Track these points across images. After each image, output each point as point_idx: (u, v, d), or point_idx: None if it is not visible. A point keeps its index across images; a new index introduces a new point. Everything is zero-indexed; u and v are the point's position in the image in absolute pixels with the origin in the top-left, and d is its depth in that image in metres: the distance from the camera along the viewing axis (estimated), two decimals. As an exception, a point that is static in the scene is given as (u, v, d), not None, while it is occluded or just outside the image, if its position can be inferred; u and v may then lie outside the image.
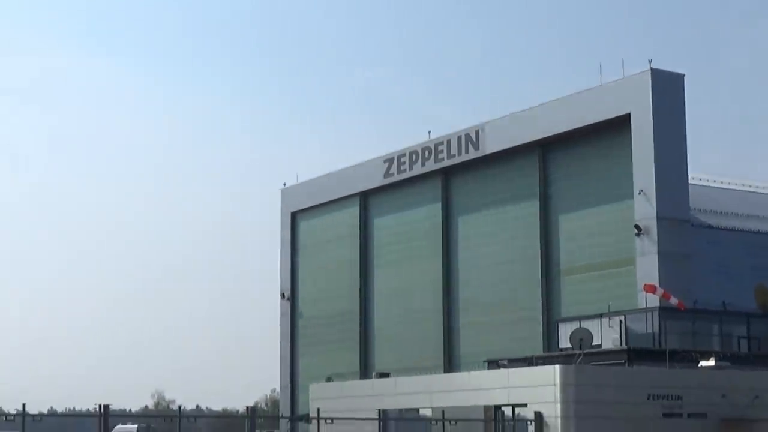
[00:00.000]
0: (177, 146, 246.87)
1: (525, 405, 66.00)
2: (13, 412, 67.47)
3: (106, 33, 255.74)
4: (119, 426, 78.90)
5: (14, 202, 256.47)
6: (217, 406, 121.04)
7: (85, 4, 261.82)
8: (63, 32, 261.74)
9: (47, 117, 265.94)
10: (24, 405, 59.69)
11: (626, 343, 70.68)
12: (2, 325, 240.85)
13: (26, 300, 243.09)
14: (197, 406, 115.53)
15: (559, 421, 63.33)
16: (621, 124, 79.79)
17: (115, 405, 68.07)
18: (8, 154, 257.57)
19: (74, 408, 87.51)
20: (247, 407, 76.78)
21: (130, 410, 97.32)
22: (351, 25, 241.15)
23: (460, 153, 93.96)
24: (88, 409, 71.14)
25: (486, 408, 67.91)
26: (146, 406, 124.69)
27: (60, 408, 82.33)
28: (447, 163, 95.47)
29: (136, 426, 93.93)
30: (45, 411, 68.33)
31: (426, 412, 73.38)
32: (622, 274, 79.95)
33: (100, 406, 61.62)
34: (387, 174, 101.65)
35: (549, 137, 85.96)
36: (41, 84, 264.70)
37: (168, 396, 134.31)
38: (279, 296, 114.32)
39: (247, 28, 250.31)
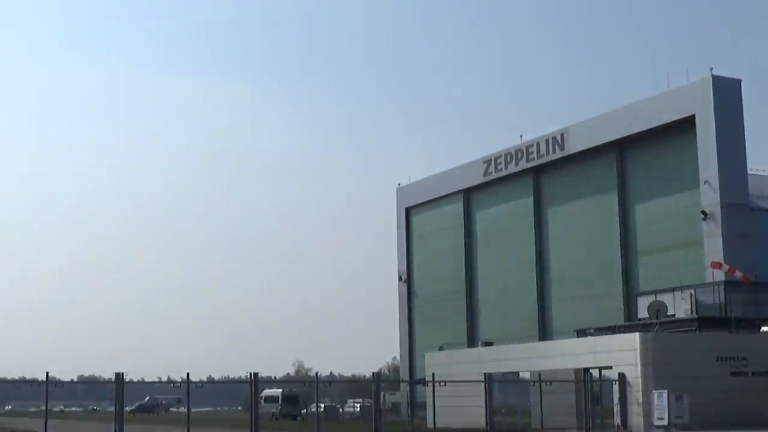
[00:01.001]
0: (316, 155, 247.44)
1: (610, 367, 66.11)
2: (178, 379, 68.12)
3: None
4: (266, 390, 79.08)
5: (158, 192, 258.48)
6: (347, 372, 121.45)
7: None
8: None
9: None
10: (188, 374, 60.19)
11: (696, 313, 70.03)
12: (168, 302, 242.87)
13: (188, 283, 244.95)
14: (330, 372, 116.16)
15: (639, 380, 63.69)
16: (687, 124, 79.55)
17: (263, 373, 68.17)
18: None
19: (229, 376, 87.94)
20: (373, 373, 76.56)
21: (274, 377, 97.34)
22: (454, 44, 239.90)
23: (547, 153, 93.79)
24: (241, 377, 71.34)
25: (576, 371, 67.96)
26: (288, 373, 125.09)
27: (217, 375, 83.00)
28: (537, 162, 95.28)
29: (280, 390, 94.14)
30: (205, 379, 68.60)
31: (525, 375, 73.39)
32: (691, 253, 79.58)
33: (251, 374, 61.97)
34: (486, 173, 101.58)
35: (625, 137, 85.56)
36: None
37: (306, 365, 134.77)
38: (397, 279, 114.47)
39: (360, 50, 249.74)
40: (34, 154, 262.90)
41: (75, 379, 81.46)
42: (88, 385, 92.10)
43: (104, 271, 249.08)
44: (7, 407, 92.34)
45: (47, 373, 60.25)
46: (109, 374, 63.56)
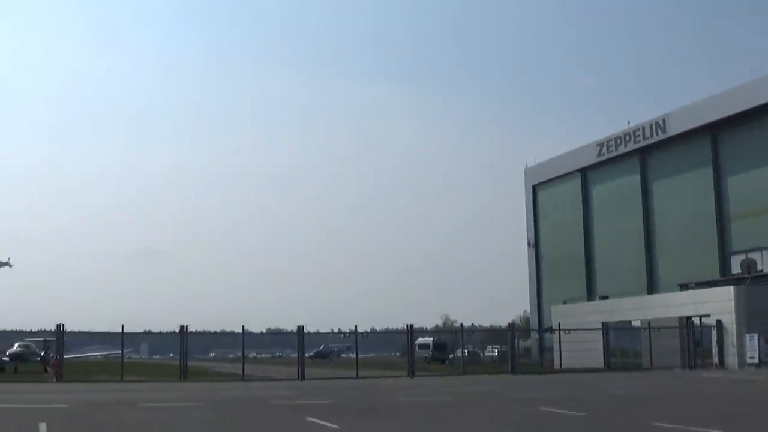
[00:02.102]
0: (460, 142, 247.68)
1: (708, 315, 66.80)
2: (347, 331, 69.55)
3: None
4: (420, 339, 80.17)
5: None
6: (486, 323, 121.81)
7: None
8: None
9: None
10: (356, 326, 61.70)
11: (783, 268, 70.83)
12: (340, 268, 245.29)
13: (362, 252, 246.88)
14: (472, 323, 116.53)
15: (734, 326, 64.83)
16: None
17: (416, 324, 69.31)
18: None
19: (388, 327, 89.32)
20: (508, 323, 77.43)
21: (426, 328, 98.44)
22: (571, 38, 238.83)
23: (651, 136, 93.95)
24: (398, 328, 72.45)
25: (680, 318, 68.33)
26: (437, 325, 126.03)
27: (379, 327, 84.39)
28: (642, 144, 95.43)
29: (431, 339, 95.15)
30: (369, 330, 69.76)
31: (636, 323, 73.87)
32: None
33: (407, 325, 63.23)
34: (599, 154, 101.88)
35: (718, 120, 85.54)
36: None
37: (452, 317, 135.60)
38: (526, 245, 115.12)
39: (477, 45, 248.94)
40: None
41: (264, 331, 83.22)
42: (275, 335, 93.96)
43: (294, 244, 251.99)
44: (211, 354, 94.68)
45: (243, 327, 62.27)
46: (291, 326, 65.17)
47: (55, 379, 55.51)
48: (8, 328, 65.99)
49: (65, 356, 59.86)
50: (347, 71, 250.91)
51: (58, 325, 57.91)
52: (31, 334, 73.64)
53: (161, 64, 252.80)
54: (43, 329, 68.59)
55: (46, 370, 64.43)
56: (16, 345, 73.85)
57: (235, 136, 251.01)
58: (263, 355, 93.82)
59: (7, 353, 71.00)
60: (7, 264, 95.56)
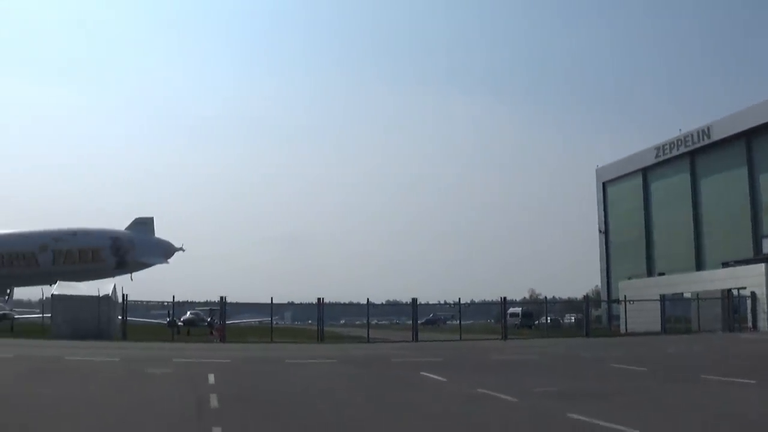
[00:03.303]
0: (548, 149, 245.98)
1: (744, 288, 67.01)
2: (452, 302, 70.67)
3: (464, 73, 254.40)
4: (511, 309, 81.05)
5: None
6: (564, 296, 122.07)
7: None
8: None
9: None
10: (459, 298, 62.45)
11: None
12: (445, 245, 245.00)
13: (470, 237, 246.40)
14: (554, 296, 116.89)
15: (765, 297, 64.79)
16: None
17: (508, 296, 70.36)
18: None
19: (485, 299, 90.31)
20: (584, 295, 78.44)
21: (515, 299, 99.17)
22: (634, 58, 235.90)
23: (698, 141, 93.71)
24: (493, 299, 73.38)
25: (722, 291, 68.55)
26: (524, 297, 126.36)
27: (477, 299, 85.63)
28: (691, 147, 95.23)
29: (520, 308, 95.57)
30: (469, 301, 71.36)
31: (687, 295, 74.10)
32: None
33: (501, 298, 64.31)
34: (656, 156, 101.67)
35: (753, 127, 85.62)
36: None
37: (536, 290, 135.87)
38: (598, 231, 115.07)
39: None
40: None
41: (384, 303, 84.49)
42: (393, 306, 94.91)
43: (410, 234, 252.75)
44: (341, 321, 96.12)
45: (368, 299, 63.68)
46: (407, 299, 66.60)
47: (218, 340, 57.57)
48: (182, 300, 67.97)
49: (227, 322, 62.08)
50: (441, 85, 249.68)
51: (221, 297, 60.30)
52: (200, 304, 75.70)
53: (304, 81, 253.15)
54: (209, 300, 70.87)
55: (211, 333, 66.44)
56: (189, 313, 76.09)
57: (366, 146, 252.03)
58: (383, 322, 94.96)
59: (182, 319, 73.09)
60: (180, 249, 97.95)
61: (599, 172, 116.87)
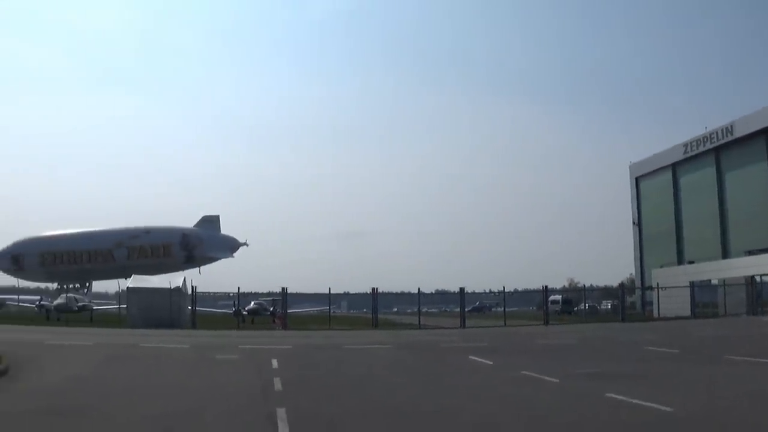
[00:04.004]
0: (584, 147, 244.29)
1: (767, 274, 66.15)
2: (496, 290, 70.64)
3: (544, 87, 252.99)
4: (551, 296, 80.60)
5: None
6: (601, 284, 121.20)
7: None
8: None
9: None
10: (504, 287, 62.28)
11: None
12: (489, 235, 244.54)
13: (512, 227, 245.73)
14: (591, 284, 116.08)
15: (786, 282, 63.81)
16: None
17: (549, 285, 70.24)
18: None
19: (528, 288, 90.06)
20: (619, 283, 78.08)
21: (555, 287, 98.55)
22: (660, 61, 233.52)
23: (723, 138, 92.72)
24: (534, 288, 73.34)
25: (746, 277, 68.04)
26: (564, 285, 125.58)
27: (520, 288, 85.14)
28: (716, 144, 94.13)
29: (560, 296, 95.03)
30: (513, 290, 71.13)
31: (714, 282, 73.58)
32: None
33: (543, 286, 64.32)
34: (684, 153, 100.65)
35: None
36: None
37: (575, 279, 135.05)
38: (631, 223, 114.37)
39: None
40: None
41: (433, 292, 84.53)
42: (442, 295, 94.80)
43: (458, 227, 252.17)
44: (394, 309, 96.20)
45: (419, 289, 63.80)
46: (455, 288, 66.56)
47: (280, 328, 57.89)
48: (247, 291, 68.35)
49: (288, 311, 62.30)
50: (485, 90, 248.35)
51: (283, 288, 60.65)
52: (263, 295, 75.82)
53: (354, 84, 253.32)
54: (271, 291, 71.07)
55: (273, 321, 66.69)
56: (252, 303, 76.31)
57: (412, 145, 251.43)
58: (433, 310, 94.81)
59: (247, 309, 73.51)
60: (245, 244, 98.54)
61: (632, 168, 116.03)
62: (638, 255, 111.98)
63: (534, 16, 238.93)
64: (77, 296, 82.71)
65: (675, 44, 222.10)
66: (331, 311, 64.54)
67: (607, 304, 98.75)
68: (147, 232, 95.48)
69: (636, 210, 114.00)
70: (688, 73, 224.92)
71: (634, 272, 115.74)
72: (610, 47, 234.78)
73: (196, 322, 58.63)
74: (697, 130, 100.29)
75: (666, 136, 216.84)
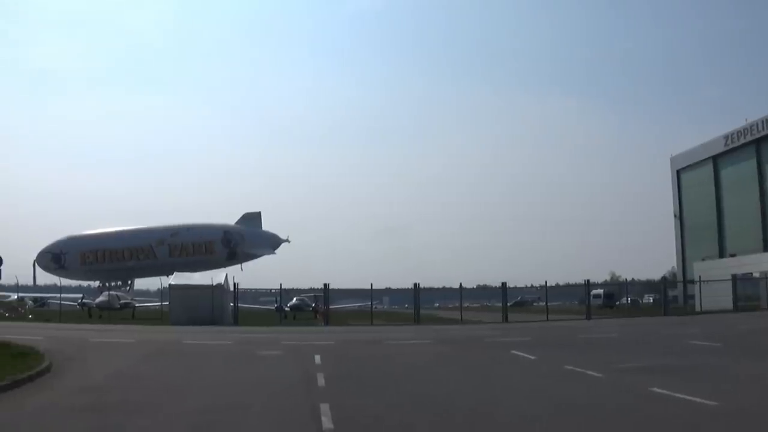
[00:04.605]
0: (624, 140, 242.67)
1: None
2: (538, 285, 70.50)
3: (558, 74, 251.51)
4: (593, 290, 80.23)
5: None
6: (643, 278, 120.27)
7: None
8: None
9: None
10: (546, 281, 62.13)
11: None
12: (529, 231, 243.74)
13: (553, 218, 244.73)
14: (633, 278, 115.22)
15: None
16: None
17: (591, 279, 69.84)
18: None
19: (569, 282, 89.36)
20: (662, 276, 77.47)
21: (597, 281, 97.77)
22: (701, 54, 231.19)
23: (763, 129, 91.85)
24: (577, 282, 73.14)
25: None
26: (606, 279, 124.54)
27: (561, 282, 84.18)
28: (757, 135, 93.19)
29: (602, 290, 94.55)
30: (553, 284, 70.86)
31: (755, 275, 73.08)
32: None
33: (585, 280, 64.02)
34: (725, 145, 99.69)
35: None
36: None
37: (616, 273, 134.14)
38: (673, 216, 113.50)
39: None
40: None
41: (475, 287, 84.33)
42: (483, 290, 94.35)
43: (497, 221, 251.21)
44: (435, 305, 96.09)
45: (460, 284, 63.73)
46: (496, 283, 66.37)
47: (323, 323, 58.35)
48: (288, 287, 68.63)
49: (330, 307, 62.62)
50: (524, 84, 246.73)
51: (325, 284, 60.93)
52: (304, 291, 76.17)
53: (386, 83, 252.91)
54: (313, 287, 71.34)
55: (316, 317, 67.16)
56: (295, 299, 76.65)
57: (443, 141, 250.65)
58: (475, 305, 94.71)
59: (288, 305, 73.82)
60: (286, 240, 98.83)
61: (673, 160, 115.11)
62: (680, 248, 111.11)
63: (566, 8, 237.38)
64: (119, 294, 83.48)
65: (714, 34, 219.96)
66: (373, 307, 64.63)
67: (648, 298, 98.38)
68: (188, 229, 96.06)
69: (677, 203, 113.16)
70: (728, 64, 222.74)
71: (675, 265, 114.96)
72: (647, 38, 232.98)
73: (239, 318, 59.05)
74: (738, 122, 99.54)
75: (707, 128, 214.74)
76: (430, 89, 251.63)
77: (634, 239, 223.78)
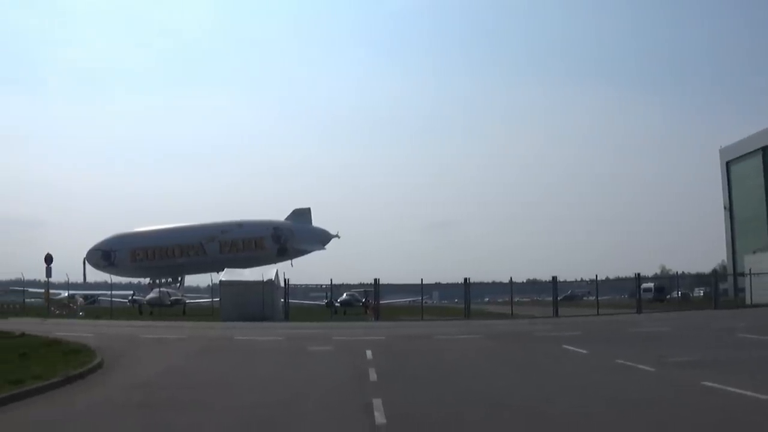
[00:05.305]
0: (672, 132, 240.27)
1: None
2: (588, 279, 70.08)
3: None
4: (644, 284, 79.63)
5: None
6: (693, 271, 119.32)
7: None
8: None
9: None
10: (596, 275, 61.77)
11: None
12: (588, 225, 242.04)
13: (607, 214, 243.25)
14: (683, 271, 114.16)
15: None
16: None
17: (642, 273, 69.31)
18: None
19: (619, 276, 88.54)
20: (712, 269, 76.79)
21: (648, 275, 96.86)
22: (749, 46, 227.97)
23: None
24: (627, 276, 72.45)
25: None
26: (656, 273, 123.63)
27: (612, 276, 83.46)
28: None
29: (652, 284, 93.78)
30: (604, 278, 70.08)
31: (808, 263, 72.39)
32: None
33: (636, 274, 63.71)
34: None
35: None
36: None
37: (666, 266, 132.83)
38: (723, 208, 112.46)
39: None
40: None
41: (524, 281, 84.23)
42: (533, 284, 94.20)
43: (545, 215, 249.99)
44: (485, 299, 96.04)
45: (510, 278, 63.54)
46: (546, 277, 66.17)
47: (373, 318, 58.66)
48: (339, 282, 68.86)
49: (380, 302, 62.87)
50: (572, 76, 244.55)
51: (375, 280, 61.25)
52: (355, 286, 76.60)
53: (436, 84, 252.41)
54: (363, 282, 71.75)
55: (366, 312, 67.49)
56: (345, 294, 76.99)
57: (490, 135, 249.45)
58: (524, 299, 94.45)
59: (339, 300, 74.17)
60: (336, 236, 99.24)
61: (722, 152, 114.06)
62: (730, 240, 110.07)
63: (611, 0, 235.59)
64: (170, 291, 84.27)
65: (764, 23, 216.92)
66: (423, 301, 64.69)
67: (699, 291, 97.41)
68: (239, 225, 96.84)
69: (727, 195, 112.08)
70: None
71: (726, 258, 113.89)
72: (694, 29, 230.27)
73: (289, 314, 59.37)
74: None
75: (756, 119, 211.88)
76: (476, 86, 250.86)
77: (684, 232, 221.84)
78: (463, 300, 62.44)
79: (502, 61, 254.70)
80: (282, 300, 61.58)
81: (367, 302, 69.58)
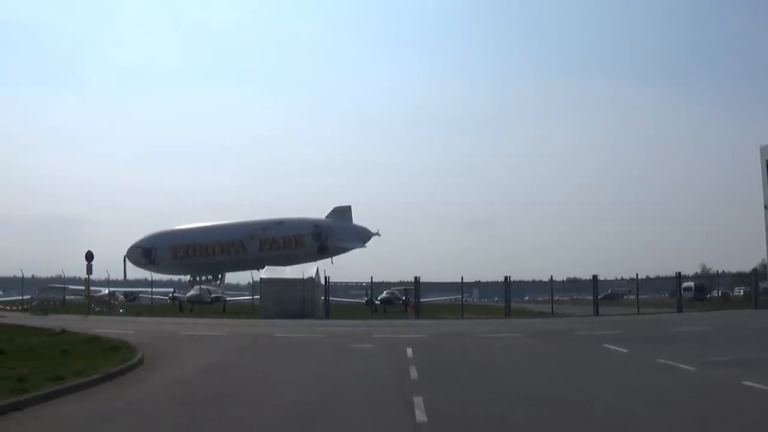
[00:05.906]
0: (712, 131, 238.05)
1: None
2: (627, 278, 69.70)
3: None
4: (684, 283, 79.22)
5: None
6: (733, 270, 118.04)
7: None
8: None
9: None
10: (637, 274, 61.66)
11: None
12: (628, 227, 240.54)
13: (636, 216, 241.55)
14: (723, 270, 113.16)
15: None
16: None
17: (682, 272, 68.57)
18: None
19: (659, 275, 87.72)
20: (753, 269, 75.94)
21: (688, 274, 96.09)
22: None
23: None
24: (668, 275, 71.93)
25: None
26: (696, 272, 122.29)
27: (651, 275, 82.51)
28: None
29: (692, 282, 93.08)
30: (644, 276, 69.52)
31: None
32: None
33: (677, 273, 63.05)
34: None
35: None
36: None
37: (707, 265, 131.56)
38: (763, 207, 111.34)
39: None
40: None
41: (564, 280, 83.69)
42: (573, 283, 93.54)
43: (584, 213, 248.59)
44: (525, 297, 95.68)
45: (551, 276, 63.29)
46: (585, 276, 65.86)
47: (413, 316, 58.71)
48: (379, 281, 68.91)
49: (420, 300, 62.90)
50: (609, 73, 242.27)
51: (416, 278, 61.24)
52: (395, 284, 76.60)
53: (497, 82, 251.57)
54: (403, 281, 71.69)
55: (406, 310, 67.50)
56: (385, 292, 77.01)
57: (529, 132, 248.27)
58: (565, 298, 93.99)
59: (379, 298, 74.25)
60: (376, 234, 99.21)
61: (763, 150, 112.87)
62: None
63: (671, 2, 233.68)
64: (210, 288, 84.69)
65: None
66: (463, 300, 64.64)
67: (739, 291, 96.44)
68: (279, 223, 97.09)
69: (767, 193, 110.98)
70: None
71: (766, 257, 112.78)
72: (731, 25, 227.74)
73: (330, 311, 59.53)
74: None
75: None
76: (512, 82, 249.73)
77: (724, 231, 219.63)
78: (503, 298, 62.25)
79: (536, 61, 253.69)
80: (322, 298, 61.73)
81: (407, 300, 69.61)
